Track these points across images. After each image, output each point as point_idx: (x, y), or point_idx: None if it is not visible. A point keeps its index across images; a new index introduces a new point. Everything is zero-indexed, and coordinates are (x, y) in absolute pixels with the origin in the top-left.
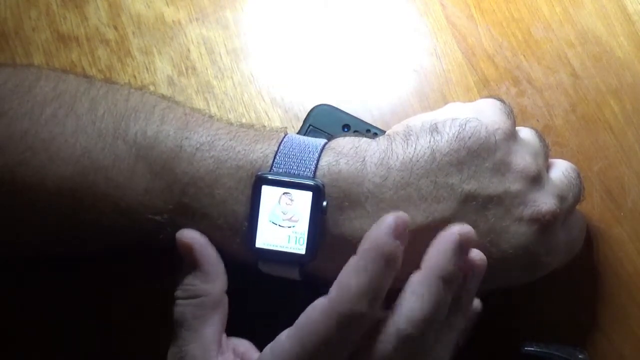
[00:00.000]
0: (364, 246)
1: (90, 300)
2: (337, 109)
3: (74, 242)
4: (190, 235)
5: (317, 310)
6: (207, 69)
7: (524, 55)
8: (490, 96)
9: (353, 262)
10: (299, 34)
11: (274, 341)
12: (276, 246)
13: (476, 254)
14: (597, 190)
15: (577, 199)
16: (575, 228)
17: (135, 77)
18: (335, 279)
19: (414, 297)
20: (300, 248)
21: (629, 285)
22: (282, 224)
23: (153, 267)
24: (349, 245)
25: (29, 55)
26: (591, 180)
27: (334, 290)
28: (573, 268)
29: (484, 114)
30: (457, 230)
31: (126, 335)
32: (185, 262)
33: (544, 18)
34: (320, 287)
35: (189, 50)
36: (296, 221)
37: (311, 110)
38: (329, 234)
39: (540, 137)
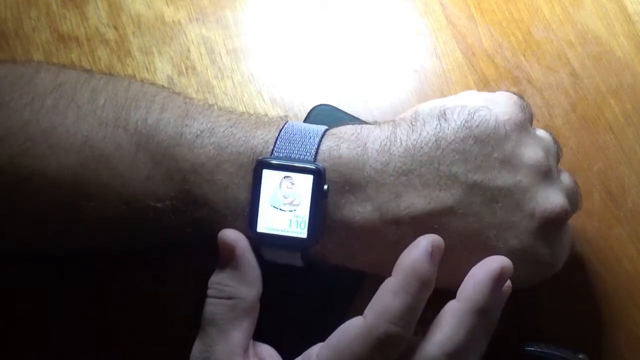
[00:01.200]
0: (402, 268)
1: (90, 301)
2: (337, 109)
3: (76, 235)
4: (233, 236)
5: (353, 331)
6: (207, 69)
7: (524, 55)
8: (509, 91)
9: (391, 283)
10: (298, 34)
11: (303, 357)
12: (278, 230)
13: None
14: (597, 190)
15: (578, 206)
16: (570, 235)
17: (135, 77)
18: (372, 298)
19: (450, 327)
20: (301, 232)
21: (629, 285)
22: (284, 207)
23: (154, 269)
24: (351, 230)
25: (29, 55)
26: (591, 180)
27: (371, 311)
28: (573, 268)
29: (496, 103)
30: (499, 265)
31: (126, 337)
32: (222, 262)
33: (544, 18)
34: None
35: (189, 50)
36: (297, 205)
37: (311, 110)
38: (330, 218)
39: (554, 139)
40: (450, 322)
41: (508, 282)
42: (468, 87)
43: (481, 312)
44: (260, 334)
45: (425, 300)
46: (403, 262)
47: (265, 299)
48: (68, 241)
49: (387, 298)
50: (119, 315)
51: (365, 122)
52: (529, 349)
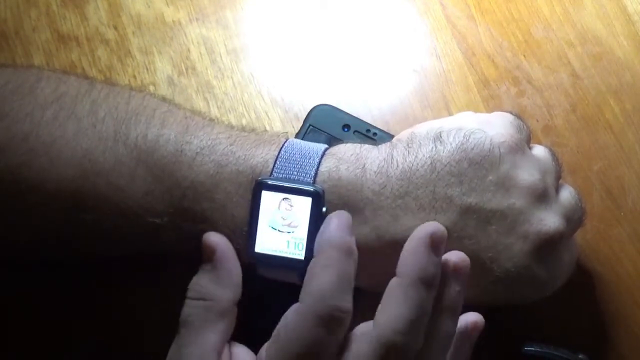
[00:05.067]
0: (320, 247)
1: (91, 302)
2: (337, 109)
3: (74, 244)
4: (215, 239)
5: (292, 317)
6: (207, 69)
7: (524, 55)
8: (507, 110)
9: (315, 262)
10: (298, 34)
11: (258, 356)
12: (275, 251)
13: (455, 255)
14: (597, 190)
15: (581, 221)
16: (573, 252)
17: (135, 77)
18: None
19: (393, 304)
20: (299, 253)
21: (629, 285)
22: (282, 229)
23: (154, 269)
24: None
25: (29, 55)
26: (591, 180)
27: (304, 292)
28: None
29: (491, 126)
30: (427, 230)
31: (127, 337)
32: (203, 264)
33: (544, 18)
34: None
35: (189, 50)
36: (295, 227)
37: (311, 110)
38: None
39: (554, 156)
40: (393, 298)
41: (462, 256)
42: (468, 87)
43: (423, 283)
44: (253, 339)
45: (353, 270)
46: (320, 241)
47: (260, 304)
48: (66, 250)
49: (315, 276)
50: (120, 315)
51: (365, 122)
52: (529, 349)
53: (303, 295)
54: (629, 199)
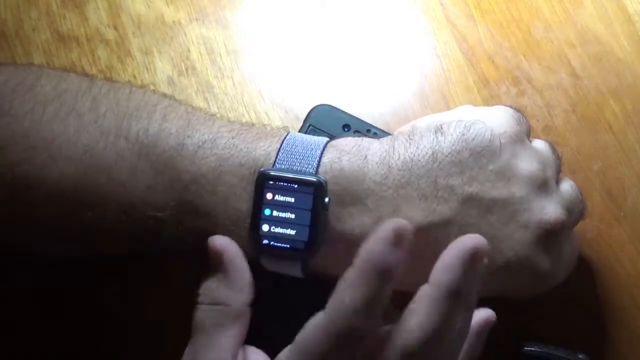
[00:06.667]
0: (358, 258)
1: (91, 302)
2: (337, 109)
3: (76, 240)
4: (222, 242)
5: (314, 327)
6: (207, 69)
7: (524, 55)
8: (506, 105)
9: (348, 275)
10: (299, 34)
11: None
12: (278, 242)
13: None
14: (597, 190)
15: (581, 215)
16: (574, 246)
17: (135, 77)
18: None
19: (424, 313)
20: (301, 243)
21: (629, 286)
22: (285, 219)
23: (154, 272)
24: (350, 242)
25: (29, 55)
26: (591, 180)
27: (329, 305)
28: (573, 268)
29: (491, 118)
30: (470, 243)
31: (127, 337)
32: (211, 268)
33: (544, 18)
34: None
35: (189, 50)
36: (298, 217)
37: (311, 110)
38: (330, 230)
39: (554, 149)
40: (423, 307)
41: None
42: (468, 87)
43: (455, 295)
44: (261, 341)
45: (387, 289)
46: (360, 251)
47: (267, 305)
48: (68, 247)
49: (343, 292)
50: (120, 315)
51: (365, 122)
52: (529, 349)
53: (328, 306)
54: (629, 199)
